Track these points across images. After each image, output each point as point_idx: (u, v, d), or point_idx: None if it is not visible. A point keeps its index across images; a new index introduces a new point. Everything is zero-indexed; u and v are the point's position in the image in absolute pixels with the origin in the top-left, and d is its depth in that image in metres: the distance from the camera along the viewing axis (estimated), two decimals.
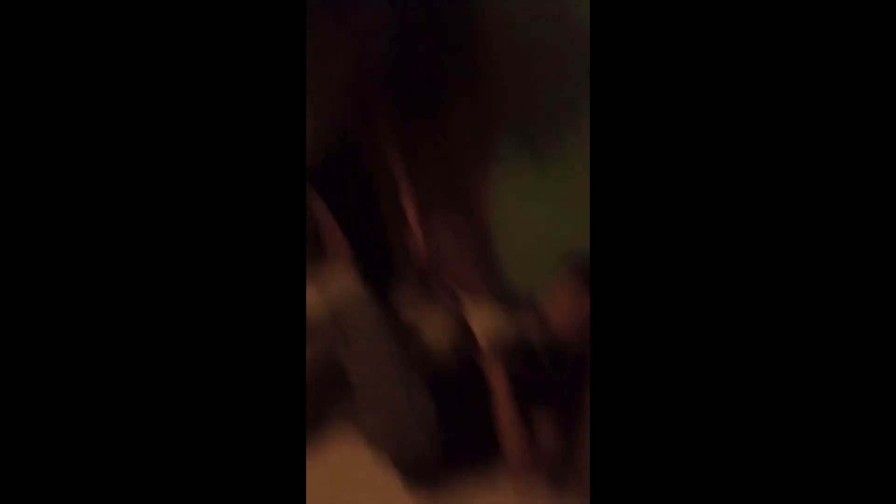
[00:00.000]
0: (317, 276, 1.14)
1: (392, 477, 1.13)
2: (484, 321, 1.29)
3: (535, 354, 1.22)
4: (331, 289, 1.15)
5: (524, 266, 1.56)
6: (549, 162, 1.31)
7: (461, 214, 1.42)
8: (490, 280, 1.62)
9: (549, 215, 1.41)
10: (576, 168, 1.27)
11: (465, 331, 1.33)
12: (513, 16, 1.04)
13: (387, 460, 1.12)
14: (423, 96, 1.16)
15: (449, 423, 1.12)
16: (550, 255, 1.47)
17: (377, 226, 1.29)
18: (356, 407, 1.09)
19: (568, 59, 1.08)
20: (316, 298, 1.11)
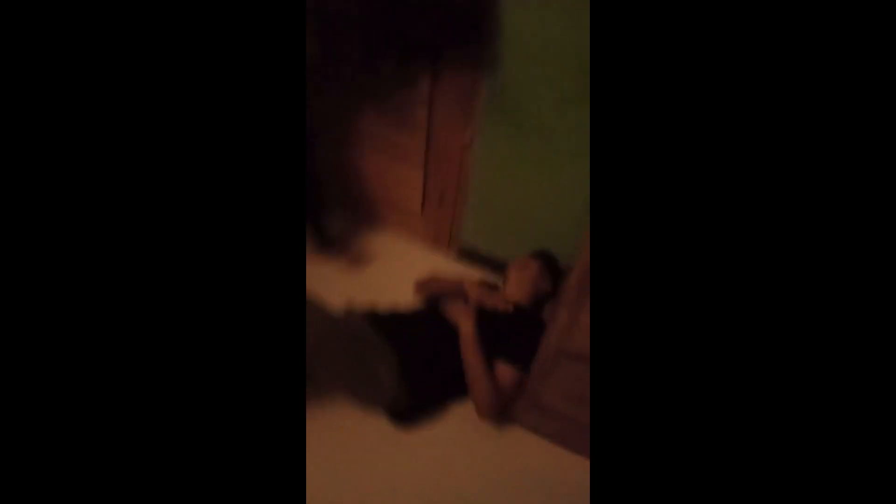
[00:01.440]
0: None
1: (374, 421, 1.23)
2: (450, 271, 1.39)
3: (496, 312, 1.32)
4: None
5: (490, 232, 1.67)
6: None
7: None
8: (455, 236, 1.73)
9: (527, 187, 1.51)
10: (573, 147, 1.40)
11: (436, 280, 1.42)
12: None
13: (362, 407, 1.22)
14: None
15: (417, 368, 1.21)
16: (521, 228, 1.60)
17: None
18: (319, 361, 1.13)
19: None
20: None
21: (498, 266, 1.74)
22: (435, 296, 1.47)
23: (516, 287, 1.42)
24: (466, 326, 1.23)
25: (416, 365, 1.20)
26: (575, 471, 1.21)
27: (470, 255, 1.78)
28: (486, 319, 1.28)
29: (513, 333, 1.27)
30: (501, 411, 1.23)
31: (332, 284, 1.58)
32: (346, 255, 1.72)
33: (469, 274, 1.72)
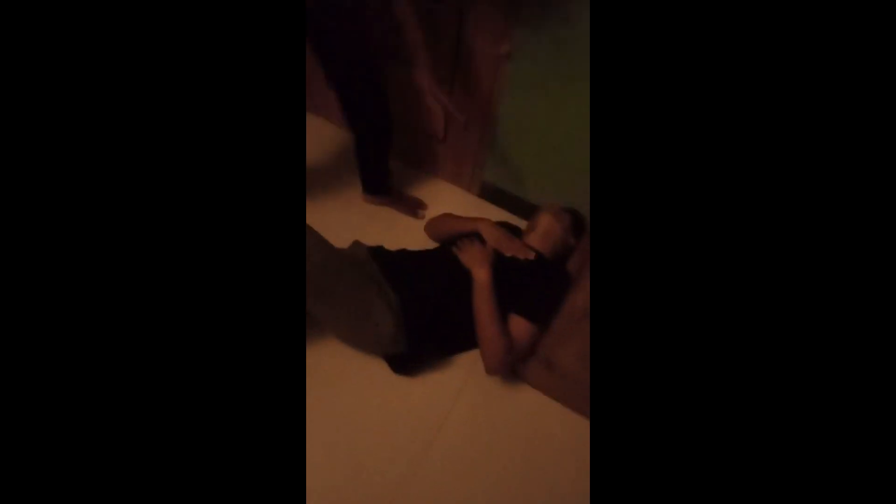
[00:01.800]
0: None
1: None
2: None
3: (515, 260, 1.15)
4: None
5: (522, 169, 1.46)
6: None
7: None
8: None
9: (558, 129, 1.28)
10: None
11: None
12: None
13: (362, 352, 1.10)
14: None
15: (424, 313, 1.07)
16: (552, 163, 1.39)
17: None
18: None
19: None
20: None
21: (523, 208, 1.55)
22: (448, 236, 1.30)
23: (544, 236, 1.24)
24: (481, 273, 1.08)
25: (419, 311, 1.07)
26: (578, 432, 1.10)
27: (493, 194, 1.59)
28: (504, 267, 1.12)
29: (532, 285, 1.12)
30: (511, 368, 1.10)
31: (335, 224, 1.43)
32: (404, 202, 1.54)
33: (489, 214, 1.54)
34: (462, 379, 1.16)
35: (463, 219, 1.32)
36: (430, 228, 1.38)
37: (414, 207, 1.53)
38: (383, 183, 1.46)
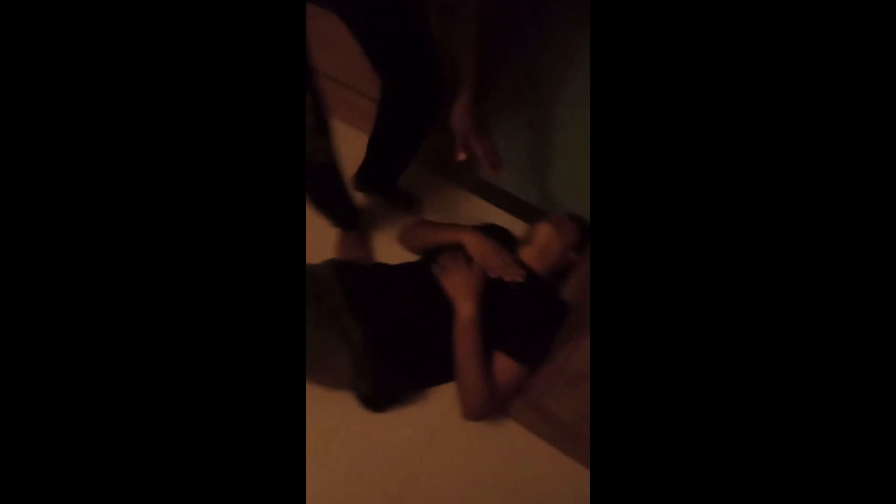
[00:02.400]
0: None
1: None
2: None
3: (504, 283, 1.00)
4: None
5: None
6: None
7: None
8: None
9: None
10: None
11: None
12: None
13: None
14: None
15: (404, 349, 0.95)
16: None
17: None
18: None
19: None
20: None
21: (522, 209, 1.38)
22: (427, 248, 1.14)
23: (541, 252, 1.07)
24: (466, 308, 0.93)
25: (387, 345, 0.94)
26: (567, 474, 1.00)
27: (489, 192, 1.41)
28: (491, 292, 0.97)
29: (521, 317, 0.97)
30: (491, 415, 0.98)
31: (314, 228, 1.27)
32: (397, 198, 1.34)
33: (479, 213, 1.37)
34: (442, 411, 1.05)
35: (444, 227, 1.13)
36: (407, 239, 1.21)
37: (408, 204, 1.36)
38: (386, 175, 1.27)
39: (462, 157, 0.95)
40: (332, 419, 1.01)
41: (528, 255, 1.08)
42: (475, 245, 1.02)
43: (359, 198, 1.31)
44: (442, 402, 1.06)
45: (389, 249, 1.24)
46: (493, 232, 1.22)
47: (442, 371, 0.98)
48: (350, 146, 1.12)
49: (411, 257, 1.16)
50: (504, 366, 0.94)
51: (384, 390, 0.97)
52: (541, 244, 1.08)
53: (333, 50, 1.12)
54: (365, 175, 1.25)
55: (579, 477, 1.02)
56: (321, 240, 1.21)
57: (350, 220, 1.21)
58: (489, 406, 0.94)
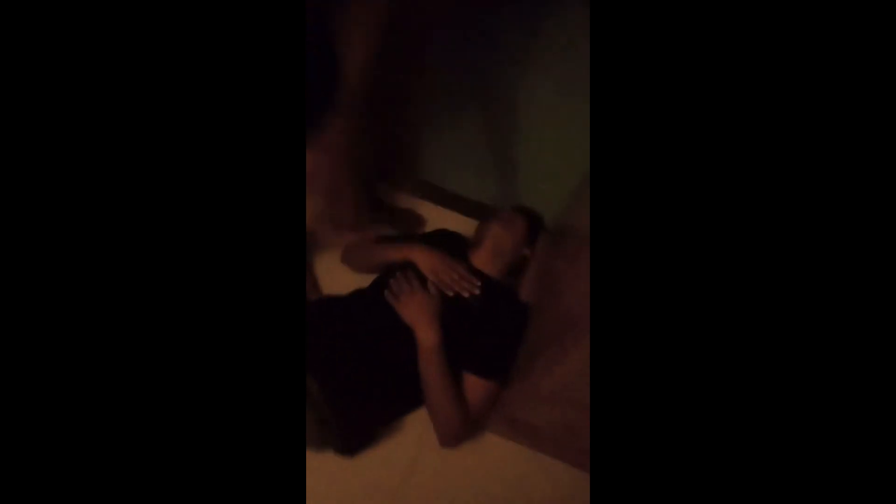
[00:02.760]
0: None
1: None
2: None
3: (462, 298, 0.94)
4: None
5: None
6: None
7: None
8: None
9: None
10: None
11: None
12: None
13: None
14: None
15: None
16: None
17: None
18: None
19: None
20: None
21: (467, 207, 1.32)
22: (373, 268, 1.07)
23: (492, 253, 1.03)
24: (427, 337, 0.87)
25: (348, 386, 0.87)
26: (558, 477, 0.99)
27: (429, 193, 1.34)
28: (450, 309, 0.91)
29: (485, 331, 0.92)
30: (468, 436, 0.94)
31: None
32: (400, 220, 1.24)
33: (428, 216, 1.30)
34: (419, 438, 1.01)
35: (390, 244, 1.06)
36: (351, 258, 1.12)
37: (412, 223, 1.26)
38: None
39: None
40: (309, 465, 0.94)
41: (480, 259, 1.04)
42: (425, 262, 0.96)
43: None
44: (416, 429, 1.01)
45: (340, 275, 1.16)
46: (444, 239, 1.16)
47: (411, 398, 0.92)
48: None
49: (361, 279, 1.08)
50: (474, 385, 0.90)
51: (353, 434, 0.91)
52: (492, 245, 1.03)
53: None
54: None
55: (571, 477, 1.01)
56: None
57: None
58: (465, 430, 0.90)
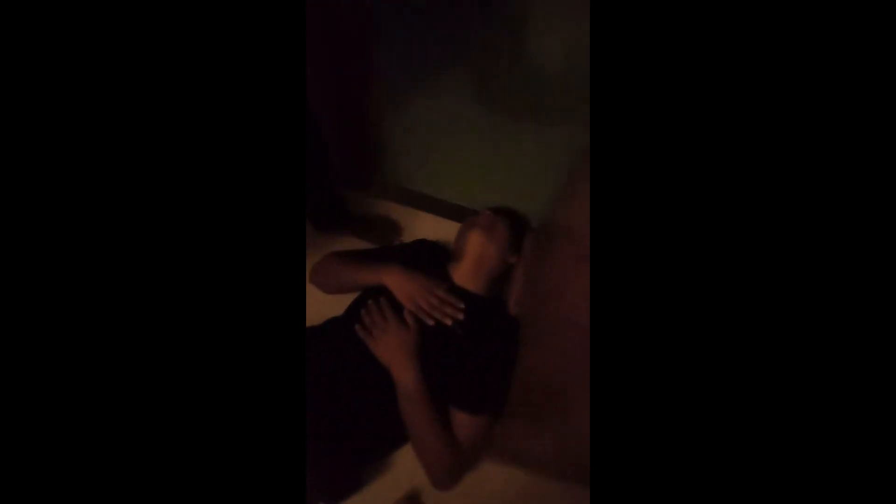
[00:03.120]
0: None
1: None
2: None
3: (443, 325, 0.85)
4: None
5: None
6: None
7: None
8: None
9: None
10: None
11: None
12: None
13: None
14: None
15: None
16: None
17: None
18: None
19: None
20: None
21: (448, 210, 1.22)
22: (343, 290, 0.97)
23: (477, 263, 0.93)
24: (406, 377, 0.77)
25: (324, 426, 0.77)
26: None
27: (409, 198, 1.24)
28: (432, 340, 0.82)
29: (474, 358, 0.83)
30: (464, 475, 0.85)
31: None
32: (369, 230, 1.16)
33: (408, 222, 1.20)
34: (410, 475, 0.92)
35: (362, 264, 0.95)
36: (319, 278, 1.01)
37: (386, 233, 1.16)
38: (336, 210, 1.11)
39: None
40: None
41: (461, 273, 0.94)
42: (400, 287, 0.85)
43: None
44: (406, 465, 0.92)
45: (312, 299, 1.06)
46: (422, 251, 1.06)
47: (398, 435, 0.83)
48: None
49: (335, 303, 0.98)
50: (463, 422, 0.80)
51: (337, 479, 0.82)
52: (474, 256, 0.93)
53: None
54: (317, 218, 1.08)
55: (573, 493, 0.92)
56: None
57: None
58: (459, 470, 0.81)
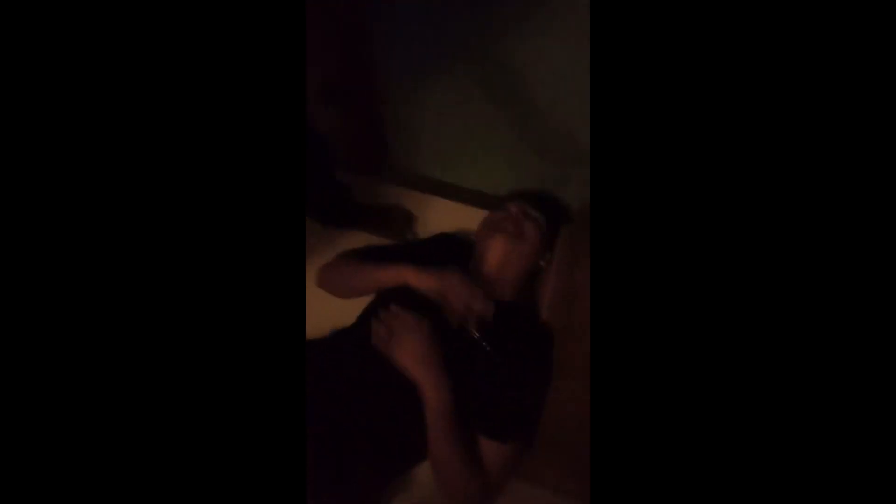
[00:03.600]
0: None
1: None
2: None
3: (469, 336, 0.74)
4: None
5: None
6: None
7: None
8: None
9: None
10: None
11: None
12: None
13: None
14: None
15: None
16: None
17: None
18: None
19: None
20: None
21: (468, 197, 1.09)
22: (358, 294, 0.87)
23: (501, 267, 0.82)
24: (437, 396, 0.68)
25: (331, 452, 0.70)
26: None
27: (424, 184, 1.11)
28: (455, 357, 0.72)
29: (501, 375, 0.73)
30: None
31: None
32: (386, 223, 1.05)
33: (424, 210, 1.08)
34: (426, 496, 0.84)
35: (373, 264, 0.85)
36: (327, 281, 0.91)
37: (399, 224, 1.05)
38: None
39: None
40: None
41: (484, 277, 0.83)
42: (426, 283, 0.76)
43: None
44: (422, 487, 0.85)
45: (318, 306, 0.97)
46: (444, 247, 0.95)
47: (412, 453, 0.75)
48: None
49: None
50: (491, 450, 0.71)
51: None
52: (498, 259, 0.82)
53: None
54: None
55: None
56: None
57: None
58: (484, 501, 0.72)
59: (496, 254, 0.82)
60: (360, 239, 1.03)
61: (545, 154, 0.94)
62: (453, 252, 0.93)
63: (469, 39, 0.77)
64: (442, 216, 1.08)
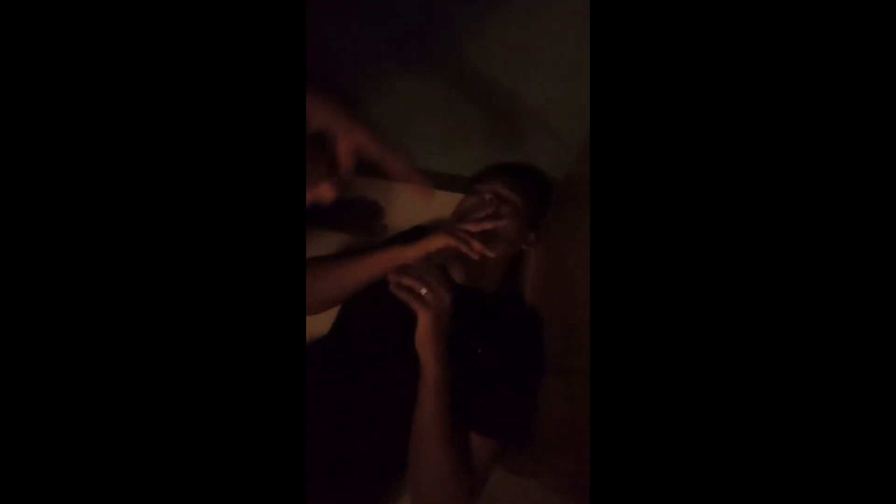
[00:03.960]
0: None
1: None
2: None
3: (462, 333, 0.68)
4: None
5: None
6: None
7: None
8: None
9: None
10: None
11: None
12: None
13: None
14: None
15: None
16: None
17: None
18: None
19: None
20: None
21: (442, 182, 1.01)
22: (339, 299, 0.80)
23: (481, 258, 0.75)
24: (436, 372, 0.62)
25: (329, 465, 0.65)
26: None
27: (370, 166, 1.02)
28: (461, 332, 0.66)
29: (491, 371, 0.68)
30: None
31: None
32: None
33: (375, 200, 1.00)
34: None
35: (351, 263, 0.77)
36: (315, 299, 0.81)
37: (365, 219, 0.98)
38: None
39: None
40: None
41: (462, 269, 0.76)
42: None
43: None
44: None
45: None
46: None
47: (397, 463, 0.70)
48: None
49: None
50: (483, 448, 0.67)
51: None
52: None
53: None
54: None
55: None
56: None
57: None
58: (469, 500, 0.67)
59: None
60: (324, 239, 0.96)
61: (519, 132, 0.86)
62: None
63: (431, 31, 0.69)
64: (412, 205, 1.00)
